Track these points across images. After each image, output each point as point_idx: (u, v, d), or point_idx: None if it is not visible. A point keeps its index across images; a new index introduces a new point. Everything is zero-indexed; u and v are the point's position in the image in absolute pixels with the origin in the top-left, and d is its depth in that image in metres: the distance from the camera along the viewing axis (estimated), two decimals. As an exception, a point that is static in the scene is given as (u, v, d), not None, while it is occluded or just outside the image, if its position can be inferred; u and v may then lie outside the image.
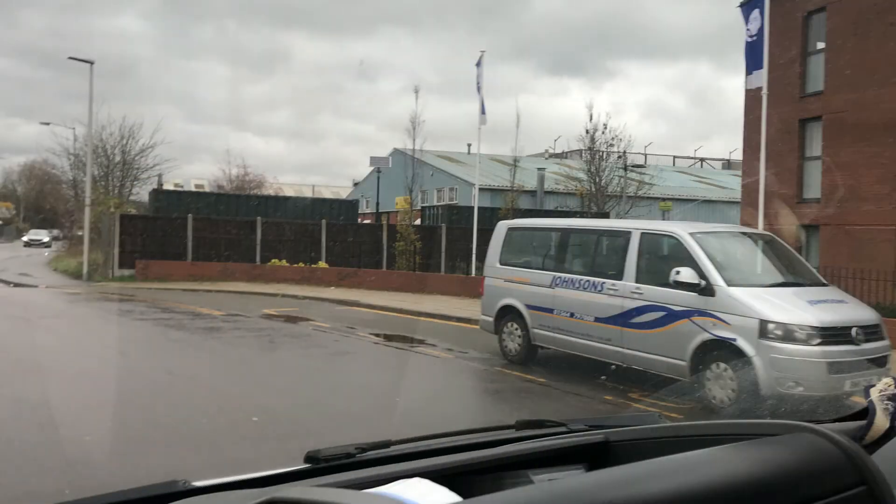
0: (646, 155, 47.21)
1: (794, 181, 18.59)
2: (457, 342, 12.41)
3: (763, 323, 7.30)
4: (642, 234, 8.93)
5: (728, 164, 57.06)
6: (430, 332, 13.54)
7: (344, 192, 57.48)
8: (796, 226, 18.01)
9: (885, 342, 7.86)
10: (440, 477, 1.34)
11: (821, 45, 18.49)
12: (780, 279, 8.49)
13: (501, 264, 10.82)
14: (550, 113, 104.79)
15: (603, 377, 9.02)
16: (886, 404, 1.43)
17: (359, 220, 34.11)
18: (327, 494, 1.08)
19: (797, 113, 18.61)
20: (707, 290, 7.77)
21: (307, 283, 23.37)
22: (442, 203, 38.45)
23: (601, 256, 9.83)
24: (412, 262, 25.43)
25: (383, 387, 9.10)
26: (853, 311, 7.96)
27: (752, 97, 17.38)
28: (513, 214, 23.86)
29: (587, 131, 29.22)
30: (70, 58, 25.77)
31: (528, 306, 10.10)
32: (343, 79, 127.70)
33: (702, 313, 7.79)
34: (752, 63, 12.97)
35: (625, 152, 30.71)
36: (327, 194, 58.19)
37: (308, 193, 58.42)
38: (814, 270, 9.42)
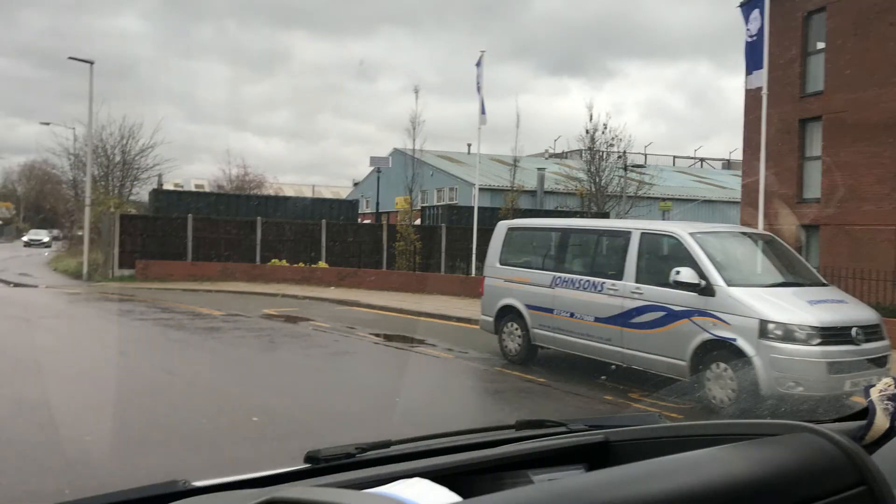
0: (646, 155, 47.23)
1: (794, 181, 18.59)
2: (457, 342, 12.40)
3: (763, 323, 7.30)
4: (642, 234, 8.93)
5: (728, 164, 57.08)
6: (430, 332, 13.53)
7: (344, 192, 57.50)
8: (796, 226, 18.01)
9: (885, 342, 7.86)
10: (440, 477, 1.34)
11: (821, 45, 18.49)
12: (780, 279, 8.48)
13: (501, 264, 10.82)
14: (550, 113, 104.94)
15: (603, 377, 9.02)
16: (886, 404, 1.43)
17: (359, 220, 34.11)
18: (327, 494, 1.08)
19: (797, 113, 18.62)
20: (707, 290, 7.77)
21: (307, 283, 23.37)
22: (442, 203, 38.45)
23: (601, 256, 9.83)
24: (412, 262, 25.43)
25: (383, 387, 9.10)
26: (853, 311, 7.96)
27: (752, 97, 17.39)
28: (513, 214, 23.87)
29: (587, 131, 29.23)
30: (70, 58, 25.80)
31: (528, 306, 10.10)
32: (343, 79, 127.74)
33: (702, 313, 7.78)
34: (752, 63, 12.97)
35: (625, 152, 30.71)
36: (327, 194, 58.21)
37: (308, 193, 58.43)
38: (814, 270, 9.42)
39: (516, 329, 10.32)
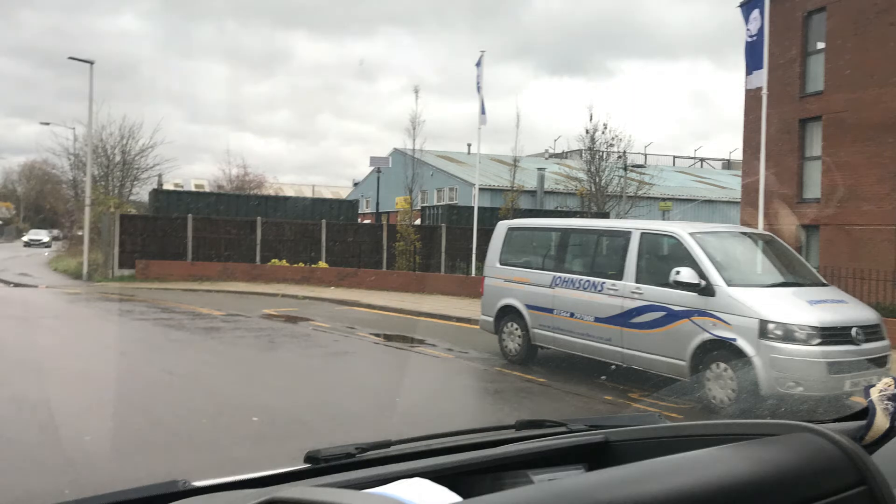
0: (646, 155, 47.26)
1: (794, 181, 18.59)
2: (457, 342, 12.40)
3: (763, 323, 7.30)
4: (642, 234, 8.92)
5: (728, 164, 57.09)
6: (430, 332, 13.53)
7: (344, 192, 57.50)
8: (796, 226, 18.01)
9: (885, 342, 7.86)
10: (440, 477, 1.34)
11: (821, 45, 18.49)
12: (780, 279, 8.48)
13: (501, 264, 10.82)
14: (550, 113, 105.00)
15: (603, 377, 9.02)
16: (886, 404, 1.43)
17: (359, 220, 34.10)
18: (327, 494, 1.08)
19: (797, 113, 18.62)
20: (707, 290, 7.76)
21: (307, 283, 23.37)
22: (442, 203, 38.45)
23: (601, 256, 9.83)
24: (412, 262, 25.43)
25: (383, 387, 9.10)
26: (853, 311, 7.95)
27: (752, 97, 17.39)
28: (513, 214, 23.88)
29: (587, 131, 29.27)
30: (70, 58, 25.77)
31: (528, 306, 10.10)
32: (343, 79, 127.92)
33: (702, 313, 7.78)
34: (752, 63, 12.97)
35: (625, 152, 30.72)
36: (327, 194, 58.22)
37: (308, 193, 58.42)
38: (814, 270, 9.42)
39: (516, 329, 10.32)
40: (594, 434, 1.73)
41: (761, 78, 12.82)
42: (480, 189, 26.82)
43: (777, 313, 7.35)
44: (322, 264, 25.20)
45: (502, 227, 11.24)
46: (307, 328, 14.35)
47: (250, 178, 49.43)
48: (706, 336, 7.71)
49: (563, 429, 1.86)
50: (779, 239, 9.71)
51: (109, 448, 5.89)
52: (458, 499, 1.20)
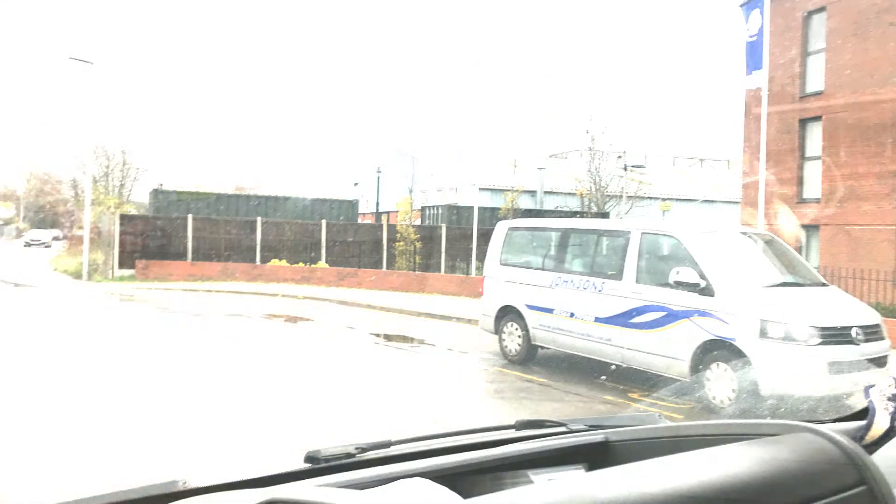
0: (646, 155, 47.26)
1: (794, 181, 18.59)
2: (457, 342, 12.41)
3: (763, 323, 7.30)
4: (642, 234, 8.92)
5: (728, 164, 57.10)
6: (430, 332, 13.53)
7: (344, 193, 57.46)
8: (796, 226, 18.01)
9: (885, 342, 7.85)
10: (440, 477, 1.34)
11: (821, 45, 18.49)
12: (780, 279, 8.48)
13: (501, 264, 10.82)
14: (551, 113, 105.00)
15: (603, 377, 9.02)
16: (886, 404, 1.43)
17: (359, 220, 34.10)
18: (327, 494, 1.08)
19: (797, 113, 18.61)
20: (707, 290, 7.76)
21: (307, 283, 23.37)
22: (442, 203, 38.46)
23: (601, 256, 9.82)
24: (412, 262, 25.43)
25: (383, 387, 9.10)
26: (853, 312, 7.95)
27: (752, 97, 17.40)
28: (513, 214, 23.90)
29: (587, 132, 29.27)
30: (70, 58, 25.76)
31: (528, 306, 10.10)
32: (343, 79, 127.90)
33: (702, 313, 7.78)
34: (752, 63, 12.97)
35: (625, 152, 30.73)
36: (327, 195, 58.14)
37: (308, 194, 58.35)
38: (814, 270, 9.41)
39: (516, 329, 10.32)
40: (594, 434, 1.73)
41: (761, 78, 12.83)
42: (480, 189, 26.82)
43: (777, 313, 7.35)
44: (322, 264, 25.19)
45: (502, 227, 11.24)
46: (307, 328, 14.35)
47: (250, 178, 49.51)
48: (706, 336, 7.71)
49: (563, 429, 1.86)
50: (779, 239, 9.70)
51: (109, 448, 5.89)
52: (459, 499, 1.20)
